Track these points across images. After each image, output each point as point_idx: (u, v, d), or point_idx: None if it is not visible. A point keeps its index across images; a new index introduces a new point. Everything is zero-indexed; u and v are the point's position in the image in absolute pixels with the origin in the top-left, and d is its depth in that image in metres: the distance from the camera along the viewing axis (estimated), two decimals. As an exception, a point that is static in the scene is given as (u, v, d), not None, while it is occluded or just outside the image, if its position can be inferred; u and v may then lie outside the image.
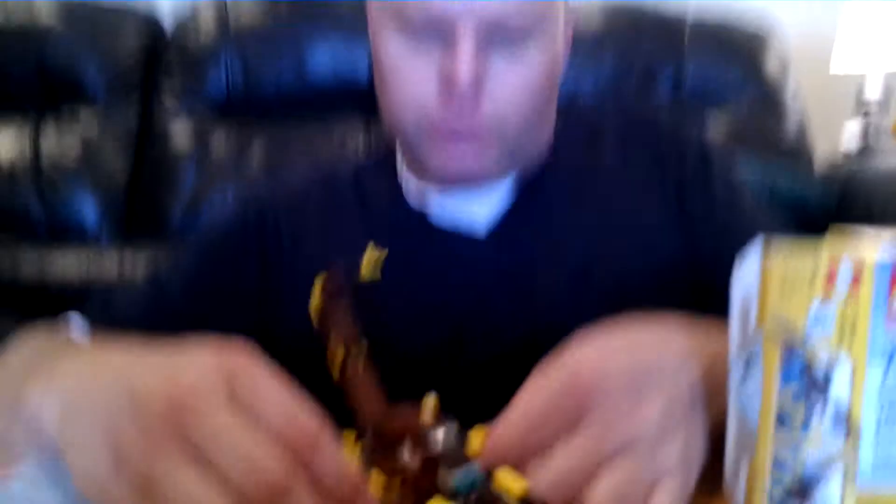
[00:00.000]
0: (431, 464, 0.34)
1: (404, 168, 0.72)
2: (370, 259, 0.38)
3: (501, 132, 0.61)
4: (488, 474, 0.34)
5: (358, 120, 2.21)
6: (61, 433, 0.36)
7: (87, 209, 2.10)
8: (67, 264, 1.57)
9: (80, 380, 0.38)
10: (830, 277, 0.36)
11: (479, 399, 0.45)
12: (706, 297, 0.65)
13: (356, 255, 0.68)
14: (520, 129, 0.62)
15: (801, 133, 2.10)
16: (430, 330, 0.63)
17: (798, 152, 2.05)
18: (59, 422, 0.37)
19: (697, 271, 0.66)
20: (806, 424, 0.36)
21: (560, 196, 0.68)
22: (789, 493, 0.36)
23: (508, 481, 0.33)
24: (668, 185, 0.68)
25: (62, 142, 2.14)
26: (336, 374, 0.42)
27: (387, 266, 0.67)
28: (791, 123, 2.10)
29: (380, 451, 0.36)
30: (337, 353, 0.42)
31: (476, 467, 0.33)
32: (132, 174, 2.15)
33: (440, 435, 0.34)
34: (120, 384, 0.34)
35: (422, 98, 0.60)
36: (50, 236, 2.05)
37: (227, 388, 0.33)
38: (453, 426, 0.35)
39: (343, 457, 0.34)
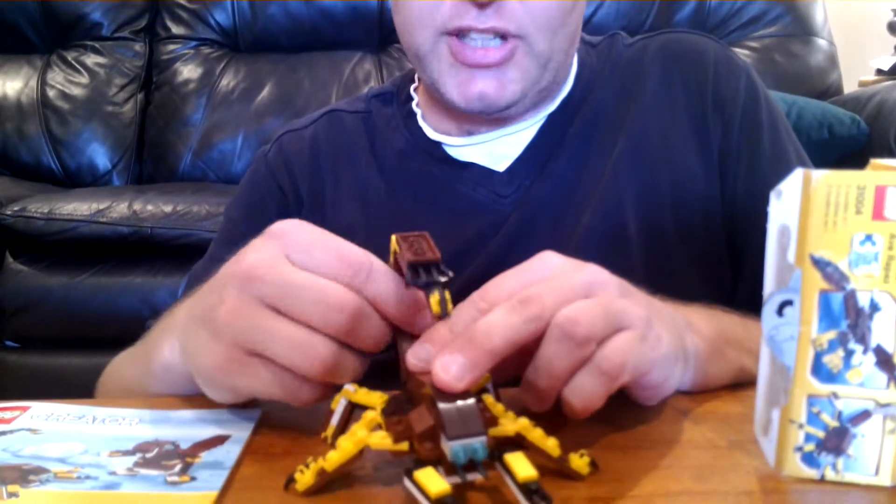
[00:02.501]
0: (435, 433, 0.32)
1: (423, 101, 0.69)
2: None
3: (523, 55, 0.58)
4: (499, 455, 0.32)
5: (368, 52, 2.15)
6: (183, 353, 0.42)
7: (97, 150, 2.07)
8: (79, 205, 1.55)
9: (183, 310, 0.45)
10: (877, 208, 0.32)
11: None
12: (742, 239, 0.62)
13: (369, 196, 0.65)
14: (542, 50, 0.59)
15: (831, 63, 2.01)
16: (452, 268, 0.61)
17: (827, 82, 1.96)
18: (180, 349, 0.42)
19: (736, 210, 0.62)
20: (845, 371, 0.33)
21: (589, 130, 0.64)
22: (823, 447, 0.34)
23: (518, 464, 0.31)
24: (714, 121, 0.64)
25: (69, 83, 2.11)
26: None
27: (397, 200, 0.64)
28: (820, 53, 2.01)
29: (402, 412, 0.34)
30: None
31: (479, 444, 0.31)
32: (141, 113, 2.12)
33: (449, 405, 0.32)
34: (204, 289, 0.40)
35: (438, 9, 0.57)
36: (61, 179, 2.04)
37: (281, 251, 0.37)
38: (469, 400, 0.32)
39: (396, 277, 0.37)
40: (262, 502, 0.33)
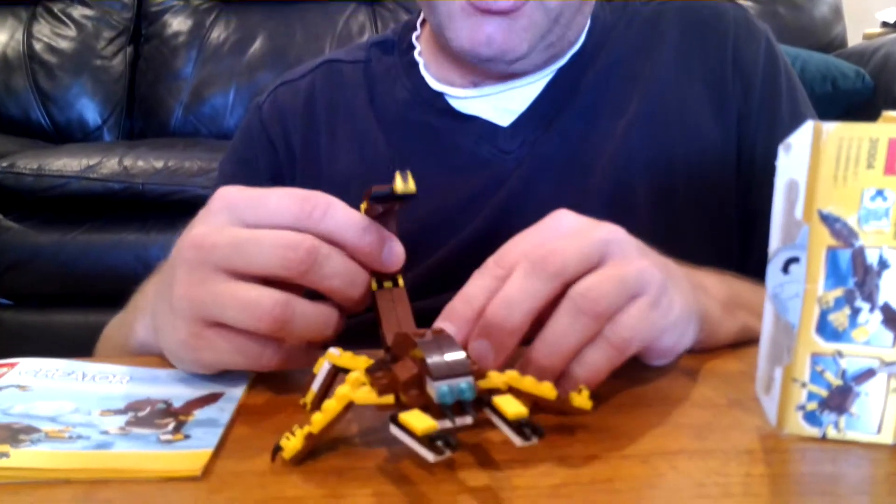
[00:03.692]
0: (420, 380, 0.31)
1: (426, 50, 0.67)
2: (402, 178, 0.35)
3: (534, 7, 0.56)
4: (488, 401, 0.31)
5: (362, 4, 2.10)
6: (154, 331, 0.41)
7: (86, 105, 2.03)
8: (69, 161, 1.53)
9: (152, 287, 0.45)
10: (890, 162, 0.31)
11: None
12: (755, 206, 0.61)
13: (367, 149, 0.63)
14: (553, 5, 0.57)
15: (835, 15, 1.97)
16: (450, 227, 0.60)
17: (831, 35, 1.93)
18: (151, 328, 0.42)
19: (752, 176, 0.61)
20: (850, 329, 0.32)
21: (601, 86, 0.62)
22: (826, 405, 0.33)
23: (506, 404, 0.30)
24: (734, 84, 0.62)
25: (56, 36, 2.05)
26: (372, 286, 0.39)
27: (397, 152, 0.62)
28: (824, 5, 1.97)
29: (386, 372, 0.33)
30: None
31: (465, 384, 0.30)
32: (130, 67, 2.08)
33: (431, 345, 0.31)
34: (167, 265, 0.39)
35: None
36: (51, 134, 2.01)
37: (228, 217, 0.36)
38: (453, 341, 0.31)
39: (360, 215, 0.37)
40: (256, 460, 0.32)
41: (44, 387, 0.39)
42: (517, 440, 0.29)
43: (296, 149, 0.66)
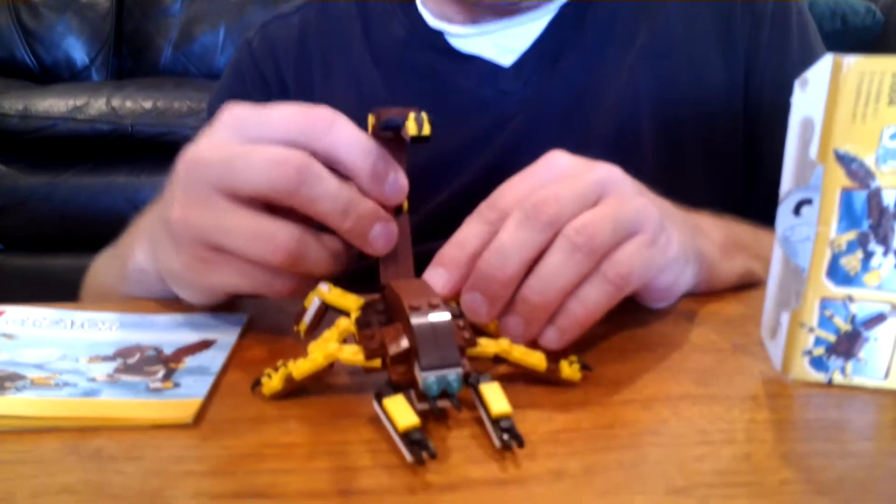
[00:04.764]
0: (409, 356, 0.30)
1: None
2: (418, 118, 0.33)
3: None
4: (475, 385, 0.30)
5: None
6: (153, 256, 0.40)
7: (73, 43, 1.98)
8: (56, 102, 1.49)
9: (152, 211, 0.43)
10: (912, 99, 0.30)
11: None
12: (761, 145, 0.59)
13: (363, 88, 0.61)
14: None
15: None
16: (450, 171, 0.58)
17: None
18: (151, 253, 0.40)
19: (760, 114, 0.59)
20: (862, 273, 0.31)
21: (606, 23, 0.60)
22: (833, 350, 0.32)
23: (492, 397, 0.30)
24: (743, 19, 0.59)
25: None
26: None
27: (393, 93, 0.60)
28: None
29: (377, 322, 0.33)
30: None
31: (453, 377, 0.29)
32: (117, 4, 2.01)
33: (424, 325, 0.30)
34: (167, 188, 0.37)
35: None
36: (38, 74, 1.95)
37: (231, 133, 0.34)
38: (448, 323, 0.30)
39: (365, 134, 0.34)
40: (248, 408, 0.32)
41: (30, 335, 0.38)
42: (497, 441, 0.29)
43: (290, 87, 0.64)
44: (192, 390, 0.32)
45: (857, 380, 0.33)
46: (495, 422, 0.29)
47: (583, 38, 0.59)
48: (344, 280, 0.38)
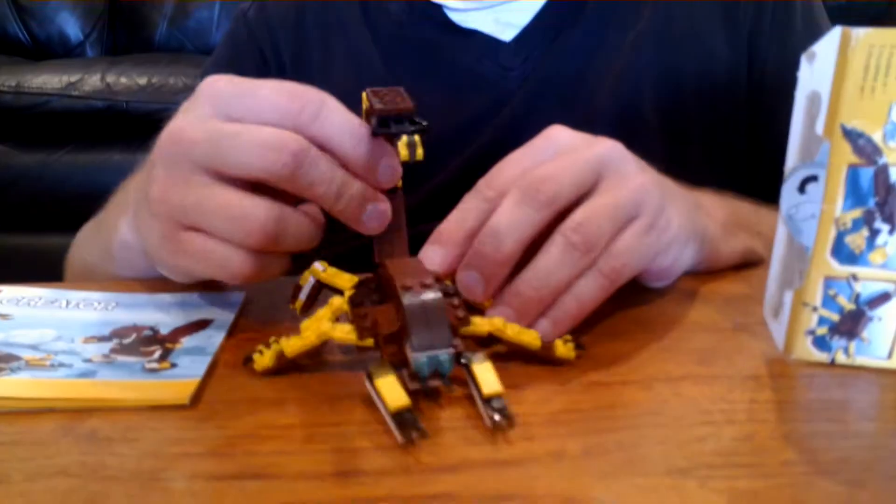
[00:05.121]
0: (400, 336, 0.30)
1: None
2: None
3: None
4: (466, 366, 0.30)
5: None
6: (135, 230, 0.39)
7: (66, 18, 1.95)
8: (49, 78, 1.47)
9: (134, 183, 0.42)
10: (922, 74, 0.29)
11: None
12: (765, 124, 0.58)
13: (362, 67, 0.60)
14: None
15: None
16: (450, 149, 0.57)
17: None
18: (134, 227, 0.39)
19: (763, 95, 0.58)
20: (867, 252, 0.31)
21: (607, 3, 0.58)
22: (836, 330, 0.32)
23: (484, 376, 0.30)
24: (739, 15, 0.58)
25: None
26: None
27: (393, 71, 0.59)
28: None
29: (371, 304, 0.32)
30: None
31: (444, 357, 0.29)
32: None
33: (416, 309, 0.30)
34: (148, 161, 0.36)
35: None
36: (31, 50, 1.93)
37: (212, 109, 0.33)
38: (440, 302, 0.30)
39: (356, 119, 0.33)
40: (245, 389, 0.31)
41: (25, 314, 0.38)
42: (488, 421, 0.28)
43: (286, 64, 0.63)
44: (188, 371, 0.32)
45: (861, 360, 0.32)
46: (487, 401, 0.29)
47: (583, 15, 0.58)
48: (339, 258, 0.37)
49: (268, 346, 0.32)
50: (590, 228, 0.33)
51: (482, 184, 0.35)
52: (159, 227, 0.34)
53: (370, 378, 0.29)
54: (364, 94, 0.34)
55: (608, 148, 0.35)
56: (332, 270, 0.36)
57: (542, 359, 0.33)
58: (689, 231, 0.38)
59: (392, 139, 0.33)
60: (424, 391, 0.30)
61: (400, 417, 0.27)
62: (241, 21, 0.65)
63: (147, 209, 0.35)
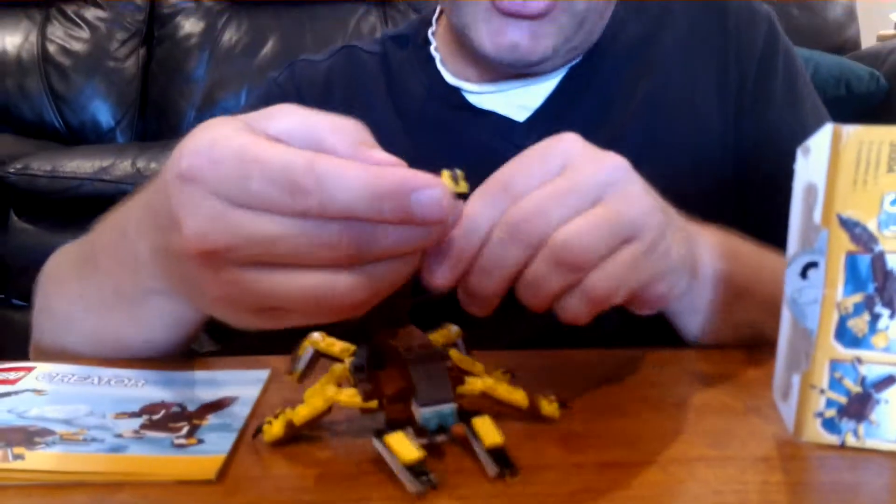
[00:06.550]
0: (406, 395, 0.32)
1: (442, 46, 0.67)
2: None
3: (561, 11, 0.56)
4: (466, 419, 0.32)
5: (372, 5, 2.10)
6: (188, 298, 0.35)
7: (99, 107, 2.05)
8: (82, 163, 1.54)
9: (142, 240, 0.36)
10: (911, 167, 0.31)
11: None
12: (752, 189, 0.60)
13: (386, 136, 0.63)
14: (580, 9, 0.57)
15: (849, 16, 1.95)
16: None
17: (845, 37, 1.91)
18: (153, 259, 0.35)
19: (747, 160, 0.61)
20: (870, 335, 0.32)
21: (612, 81, 0.63)
22: (845, 412, 0.33)
23: (484, 429, 0.32)
24: (733, 73, 0.62)
25: (70, 38, 2.07)
26: None
27: (414, 144, 0.62)
28: (838, 6, 1.95)
29: (372, 369, 0.34)
30: None
31: (449, 411, 0.31)
32: (143, 69, 2.09)
33: (419, 368, 0.32)
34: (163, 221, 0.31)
35: None
36: (64, 136, 2.02)
37: (206, 185, 0.27)
38: (441, 363, 0.32)
39: (352, 170, 0.27)
40: (271, 465, 0.32)
41: (59, 390, 0.39)
42: (491, 470, 0.31)
43: None
44: (215, 447, 0.33)
45: (871, 442, 0.33)
46: (489, 452, 0.31)
47: (592, 94, 0.62)
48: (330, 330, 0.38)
49: (275, 416, 0.34)
50: (578, 246, 0.32)
51: (496, 189, 0.34)
52: (238, 319, 0.31)
53: (378, 435, 0.31)
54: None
55: (613, 168, 0.34)
56: (330, 340, 0.38)
57: (529, 417, 0.35)
58: (687, 261, 0.39)
59: None
60: (431, 446, 0.31)
61: (414, 469, 0.29)
62: (272, 85, 0.70)
63: (206, 303, 0.31)
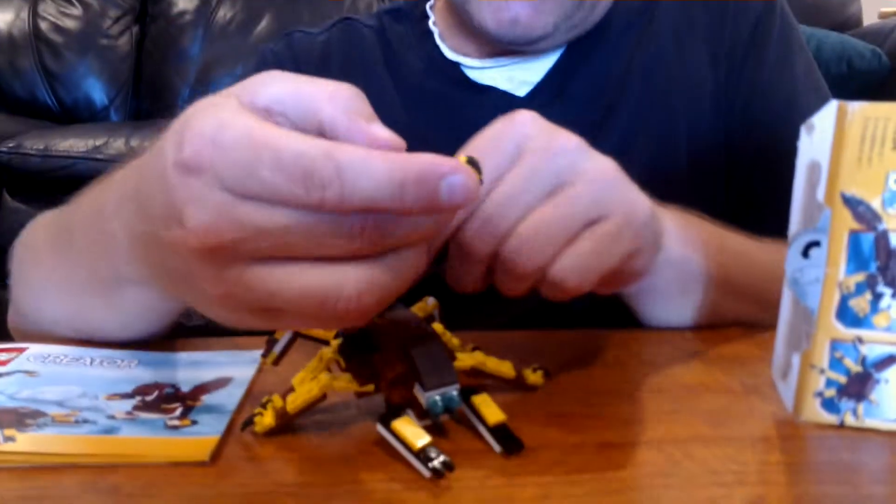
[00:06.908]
0: (406, 378, 0.32)
1: (441, 20, 0.66)
2: None
3: None
4: (465, 397, 0.32)
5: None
6: (175, 290, 0.31)
7: (93, 85, 2.03)
8: (76, 142, 1.52)
9: (120, 226, 0.34)
10: (916, 145, 0.30)
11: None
12: (742, 155, 0.60)
13: (384, 110, 0.63)
14: None
15: (850, -8, 1.93)
16: None
17: (846, 14, 1.89)
18: (131, 246, 0.33)
19: (739, 124, 0.60)
20: (871, 315, 0.32)
21: (611, 54, 0.62)
22: (844, 392, 0.33)
23: (485, 407, 0.32)
24: (724, 33, 0.61)
25: (62, 15, 2.04)
26: None
27: (413, 119, 0.62)
28: (839, -18, 1.93)
29: (363, 351, 0.34)
30: None
31: (454, 393, 0.31)
32: (137, 47, 2.06)
33: (421, 352, 0.31)
34: (155, 209, 0.28)
35: None
36: (58, 114, 2.00)
37: (213, 176, 0.25)
38: (440, 344, 0.32)
39: (375, 163, 0.25)
40: (266, 446, 0.32)
41: (51, 372, 0.39)
42: (497, 446, 0.31)
43: None
44: (209, 428, 0.33)
45: (870, 422, 0.33)
46: (493, 429, 0.31)
47: (590, 68, 0.62)
48: None
49: (263, 405, 0.33)
50: (528, 252, 0.32)
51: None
52: (235, 319, 0.29)
53: (383, 421, 0.31)
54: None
55: (568, 147, 0.34)
56: None
57: (515, 386, 0.36)
58: (653, 239, 0.38)
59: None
60: (435, 427, 0.32)
61: (426, 453, 0.29)
62: (267, 52, 0.68)
63: (202, 300, 0.29)
